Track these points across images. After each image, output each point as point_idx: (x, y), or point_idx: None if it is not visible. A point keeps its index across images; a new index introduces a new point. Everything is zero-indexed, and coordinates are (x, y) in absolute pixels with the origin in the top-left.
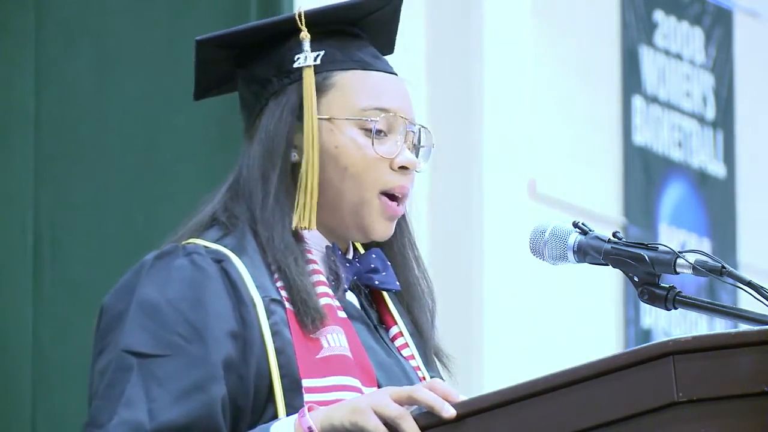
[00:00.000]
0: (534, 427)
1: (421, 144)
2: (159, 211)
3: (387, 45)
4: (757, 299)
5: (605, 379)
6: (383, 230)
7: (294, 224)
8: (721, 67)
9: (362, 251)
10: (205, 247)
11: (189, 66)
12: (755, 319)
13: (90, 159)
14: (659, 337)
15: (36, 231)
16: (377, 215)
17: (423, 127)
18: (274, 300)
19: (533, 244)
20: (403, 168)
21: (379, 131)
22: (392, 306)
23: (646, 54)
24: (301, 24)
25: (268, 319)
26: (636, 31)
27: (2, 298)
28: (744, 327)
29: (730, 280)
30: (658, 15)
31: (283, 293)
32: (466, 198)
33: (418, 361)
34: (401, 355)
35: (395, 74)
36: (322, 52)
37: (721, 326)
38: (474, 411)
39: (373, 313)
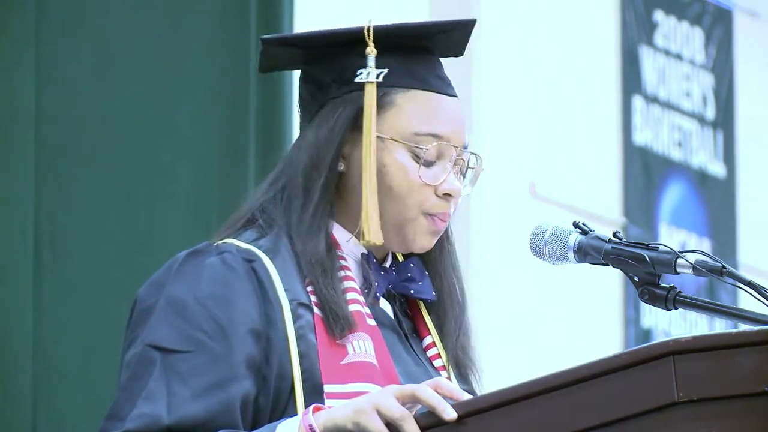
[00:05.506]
0: (534, 427)
1: (470, 167)
2: (159, 211)
3: (457, 50)
4: (757, 299)
5: (605, 379)
6: (426, 244)
7: (363, 240)
8: (721, 67)
9: (401, 259)
10: (238, 247)
11: (189, 66)
12: (755, 319)
13: (90, 159)
14: (659, 337)
15: (36, 231)
16: (423, 232)
17: (474, 153)
18: (302, 304)
19: (533, 244)
20: (446, 194)
21: (428, 161)
22: (427, 316)
23: (646, 54)
24: (369, 39)
25: (294, 322)
26: (636, 31)
27: (2, 298)
28: (744, 327)
29: (731, 280)
30: (658, 15)
31: (313, 298)
32: (466, 198)
33: (449, 372)
34: (432, 365)
35: (455, 96)
36: (385, 70)
37: (721, 326)
38: (474, 411)
39: (407, 323)
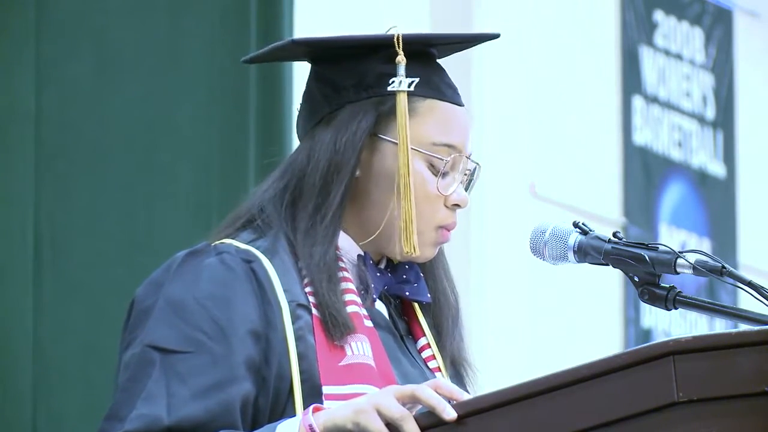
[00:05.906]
0: (534, 427)
1: (473, 178)
2: (159, 211)
3: (446, 54)
4: (757, 299)
5: (605, 379)
6: (430, 255)
7: (405, 251)
8: (721, 67)
9: (395, 261)
10: (237, 247)
11: (189, 66)
12: (755, 319)
13: (90, 159)
14: (659, 337)
15: (36, 231)
16: (430, 244)
17: (476, 163)
18: (300, 305)
19: (533, 244)
20: (455, 205)
21: (444, 172)
22: (422, 317)
23: (646, 54)
24: (399, 47)
25: (293, 323)
26: (636, 31)
27: (2, 298)
28: (744, 327)
29: (731, 280)
30: (658, 15)
31: (311, 299)
32: None
33: (444, 373)
34: (427, 366)
35: (463, 105)
36: (417, 79)
37: (721, 326)
38: (474, 411)
39: (401, 324)
